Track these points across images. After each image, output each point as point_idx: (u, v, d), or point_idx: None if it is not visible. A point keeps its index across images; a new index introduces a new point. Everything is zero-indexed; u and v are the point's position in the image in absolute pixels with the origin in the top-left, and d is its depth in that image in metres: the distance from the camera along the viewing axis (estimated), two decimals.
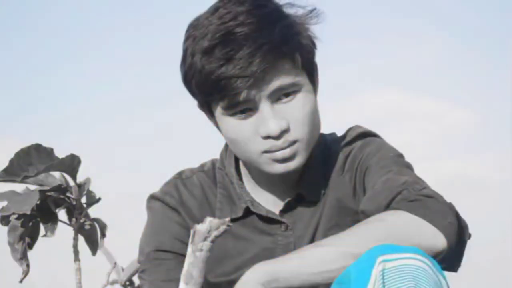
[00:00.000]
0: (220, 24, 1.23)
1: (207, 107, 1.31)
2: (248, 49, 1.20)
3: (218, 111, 1.27)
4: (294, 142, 1.26)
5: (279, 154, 1.26)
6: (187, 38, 1.28)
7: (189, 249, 1.09)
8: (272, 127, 1.24)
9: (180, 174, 1.43)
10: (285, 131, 1.25)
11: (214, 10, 1.26)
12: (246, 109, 1.25)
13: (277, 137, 1.25)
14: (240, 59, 1.20)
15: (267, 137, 1.25)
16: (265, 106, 1.24)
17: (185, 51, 1.28)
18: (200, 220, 1.10)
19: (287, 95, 1.26)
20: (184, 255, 1.12)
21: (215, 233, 1.08)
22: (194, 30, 1.27)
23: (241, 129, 1.26)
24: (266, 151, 1.27)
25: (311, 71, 1.31)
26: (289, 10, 1.30)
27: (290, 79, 1.25)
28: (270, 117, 1.24)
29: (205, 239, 1.08)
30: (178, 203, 1.38)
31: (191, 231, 1.09)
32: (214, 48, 1.22)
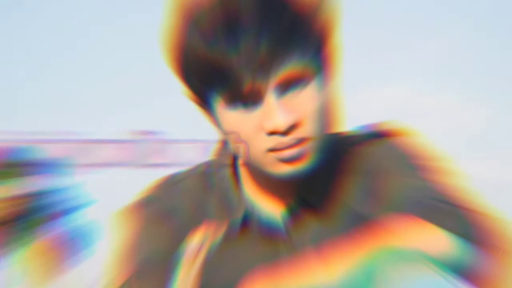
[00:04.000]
0: (223, 16, 1.15)
1: (207, 101, 1.23)
2: (255, 37, 1.12)
3: (219, 104, 1.19)
4: (302, 140, 1.17)
5: (287, 153, 1.17)
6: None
7: (185, 256, 1.08)
8: (279, 120, 1.14)
9: (172, 177, 1.38)
10: (292, 127, 1.16)
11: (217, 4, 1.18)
12: (250, 102, 1.16)
13: (283, 133, 1.16)
14: (245, 48, 1.12)
15: (273, 133, 1.16)
16: (271, 99, 1.15)
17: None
18: (195, 225, 1.08)
19: (294, 88, 1.17)
20: (178, 264, 1.10)
21: (211, 239, 1.07)
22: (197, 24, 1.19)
23: (244, 123, 1.17)
24: (271, 150, 1.18)
25: (320, 65, 1.22)
26: None
27: (298, 70, 1.16)
28: (276, 110, 1.14)
29: (201, 245, 1.07)
30: (172, 208, 1.32)
31: (187, 238, 1.08)
32: (217, 36, 1.14)
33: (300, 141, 1.17)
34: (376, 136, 1.35)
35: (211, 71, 1.15)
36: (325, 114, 1.21)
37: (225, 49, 1.13)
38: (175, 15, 1.20)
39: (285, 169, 1.19)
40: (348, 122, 1.29)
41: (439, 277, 1.05)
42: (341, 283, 1.08)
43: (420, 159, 1.31)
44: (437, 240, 1.12)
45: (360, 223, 1.24)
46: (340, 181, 1.32)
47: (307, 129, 1.18)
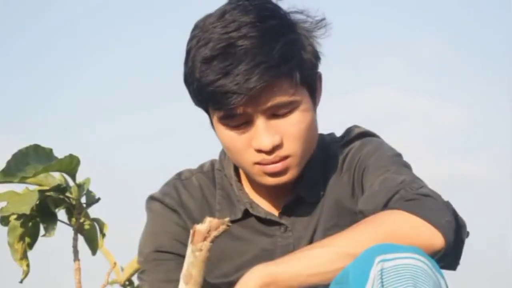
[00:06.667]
0: (223, 33, 1.21)
1: (205, 110, 1.32)
2: (247, 65, 1.19)
3: (215, 118, 1.27)
4: (286, 157, 1.26)
5: (270, 168, 1.26)
6: (192, 38, 1.27)
7: (189, 249, 1.09)
8: (265, 142, 1.23)
9: (179, 175, 1.42)
10: (277, 147, 1.25)
11: (220, 14, 1.24)
12: (242, 122, 1.25)
13: (269, 152, 1.25)
14: (237, 75, 1.19)
15: (259, 151, 1.25)
16: (259, 121, 1.24)
17: (188, 51, 1.27)
18: (199, 221, 1.10)
19: (283, 110, 1.25)
20: (183, 256, 1.12)
21: (214, 233, 1.08)
22: (199, 32, 1.25)
23: (235, 139, 1.26)
24: (258, 163, 1.27)
25: (311, 85, 1.30)
26: (297, 17, 1.28)
27: (287, 97, 1.24)
28: (263, 132, 1.24)
29: (204, 239, 1.08)
30: (177, 204, 1.37)
31: (191, 231, 1.09)
32: (213, 59, 1.21)
33: (283, 158, 1.26)
34: (362, 137, 1.40)
35: (205, 93, 1.22)
36: (309, 134, 1.28)
37: (218, 74, 1.20)
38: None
39: (270, 181, 1.29)
40: (333, 125, 1.34)
41: (432, 271, 1.06)
42: (336, 276, 1.10)
43: (401, 157, 1.36)
44: (426, 234, 1.13)
45: (352, 218, 1.27)
46: (332, 179, 1.36)
47: (290, 148, 1.26)
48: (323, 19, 1.30)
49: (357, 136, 1.40)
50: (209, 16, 1.27)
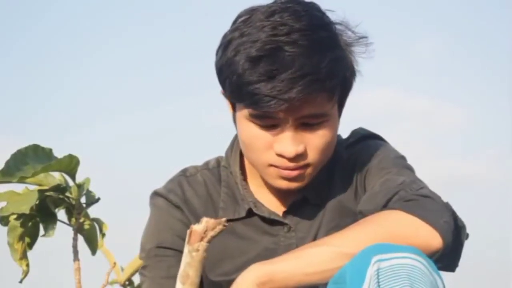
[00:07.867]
0: (272, 35, 1.18)
1: (232, 103, 1.30)
2: (292, 74, 1.16)
3: (242, 112, 1.25)
4: (305, 166, 1.26)
5: (286, 173, 1.26)
6: (234, 29, 1.23)
7: (185, 250, 1.09)
8: (289, 150, 1.22)
9: (184, 171, 1.42)
10: (300, 156, 1.24)
11: (269, 14, 1.21)
12: (271, 124, 1.23)
13: (290, 159, 1.24)
14: (282, 81, 1.16)
15: (280, 156, 1.24)
16: (289, 128, 1.22)
17: (228, 41, 1.23)
18: (204, 215, 1.10)
19: (315, 121, 1.24)
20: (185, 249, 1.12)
21: (211, 234, 1.08)
22: (244, 25, 1.22)
23: (258, 138, 1.25)
24: (274, 165, 1.26)
25: (342, 101, 1.29)
26: (338, 28, 1.27)
27: (322, 110, 1.23)
28: (289, 139, 1.23)
29: (201, 239, 1.09)
30: (181, 201, 1.37)
31: (187, 232, 1.09)
32: (260, 60, 1.18)
33: (302, 167, 1.25)
34: (367, 139, 1.40)
35: (244, 90, 1.19)
36: (331, 145, 1.28)
37: (263, 76, 1.17)
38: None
39: (282, 184, 1.28)
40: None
41: (429, 271, 1.06)
42: (333, 276, 1.10)
43: (404, 159, 1.37)
44: (424, 234, 1.13)
45: (354, 219, 1.27)
46: (336, 180, 1.37)
47: (312, 158, 1.25)
48: (365, 36, 1.28)
49: (361, 138, 1.41)
50: (255, 10, 1.24)
